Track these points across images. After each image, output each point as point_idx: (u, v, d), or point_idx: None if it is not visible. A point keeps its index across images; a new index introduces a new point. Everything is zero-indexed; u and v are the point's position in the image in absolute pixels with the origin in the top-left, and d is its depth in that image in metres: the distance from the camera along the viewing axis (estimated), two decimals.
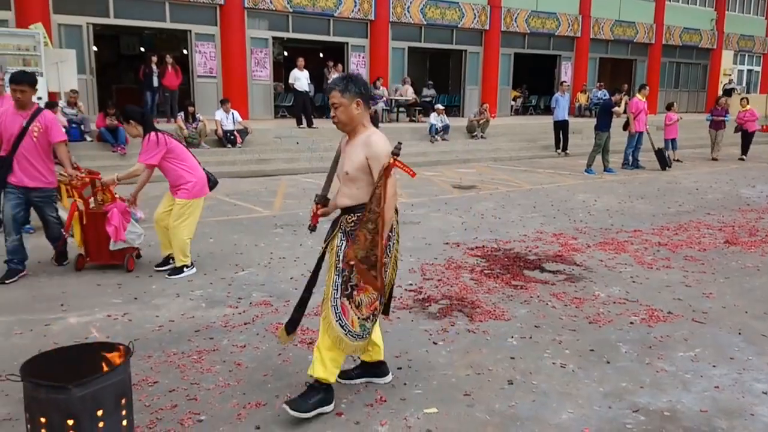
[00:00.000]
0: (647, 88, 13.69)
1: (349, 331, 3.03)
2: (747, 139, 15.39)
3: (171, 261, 5.49)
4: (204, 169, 5.49)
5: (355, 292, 3.04)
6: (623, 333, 4.18)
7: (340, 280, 3.07)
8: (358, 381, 3.44)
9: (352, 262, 2.97)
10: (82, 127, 11.68)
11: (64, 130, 7.81)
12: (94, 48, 14.49)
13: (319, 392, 3.08)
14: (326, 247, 3.24)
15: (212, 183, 5.53)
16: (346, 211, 3.13)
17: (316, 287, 3.25)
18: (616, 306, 4.71)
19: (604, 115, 12.57)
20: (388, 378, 3.44)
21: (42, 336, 4.01)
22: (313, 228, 3.39)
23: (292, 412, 2.97)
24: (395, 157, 2.95)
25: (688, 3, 25.16)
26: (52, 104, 11.36)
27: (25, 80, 5.03)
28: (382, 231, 2.93)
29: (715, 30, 25.98)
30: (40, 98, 11.38)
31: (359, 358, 3.48)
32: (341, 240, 3.11)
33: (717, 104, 15.95)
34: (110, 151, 11.44)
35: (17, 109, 5.12)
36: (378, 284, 2.99)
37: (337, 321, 3.04)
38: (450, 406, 3.17)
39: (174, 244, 5.31)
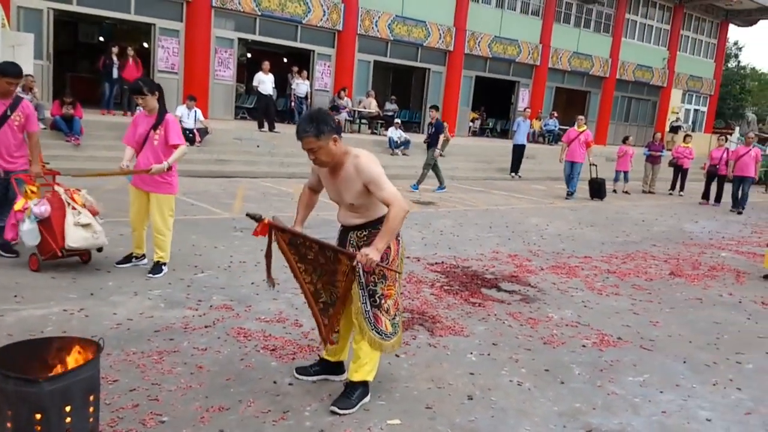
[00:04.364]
0: (580, 118, 13.40)
1: (384, 334, 3.22)
2: (682, 175, 16.01)
3: (133, 259, 5.43)
4: None
5: (382, 301, 3.21)
6: (576, 355, 4.34)
7: (366, 293, 3.18)
8: (315, 378, 3.55)
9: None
10: (37, 114, 11.28)
11: None
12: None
13: (358, 387, 3.29)
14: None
15: None
16: (356, 228, 3.23)
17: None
18: (568, 328, 4.88)
19: (436, 134, 12.48)
20: (344, 376, 3.53)
21: None
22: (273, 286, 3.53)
23: (342, 412, 3.17)
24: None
25: (643, 41, 26.28)
26: None
27: (20, 73, 5.25)
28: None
29: (667, 69, 27.22)
30: None
31: (319, 355, 3.64)
32: None
33: (654, 139, 16.60)
34: (63, 140, 11.13)
35: (2, 97, 5.20)
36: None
37: (373, 330, 3.19)
38: (412, 418, 3.23)
39: (161, 241, 5.25)
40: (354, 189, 3.10)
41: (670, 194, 15.98)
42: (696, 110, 30.20)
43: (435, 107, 13.11)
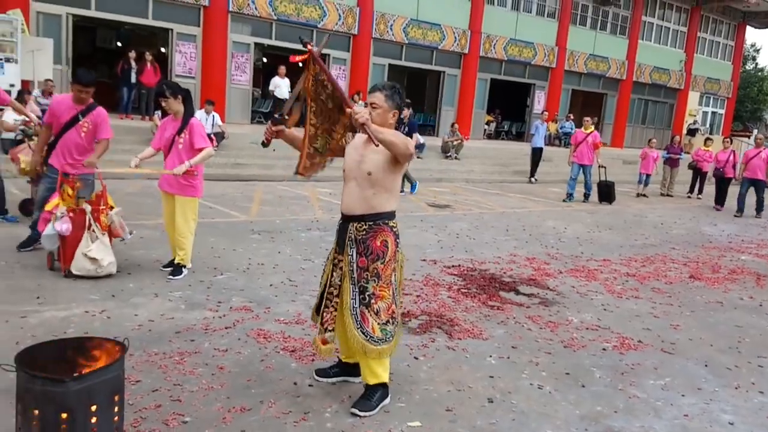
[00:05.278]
0: (587, 120, 13.10)
1: (370, 337, 3.16)
2: (701, 178, 15.78)
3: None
4: None
5: (372, 301, 3.16)
6: (596, 358, 4.30)
7: (357, 290, 3.17)
8: (334, 379, 3.56)
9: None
10: None
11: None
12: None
13: (377, 390, 3.28)
14: (334, 257, 3.31)
15: None
16: (356, 219, 3.18)
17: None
18: (588, 332, 4.84)
19: (409, 134, 11.78)
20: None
21: (19, 328, 3.94)
22: (265, 144, 3.32)
23: (362, 414, 3.18)
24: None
25: (659, 43, 26.07)
26: (24, 93, 11.13)
27: (90, 83, 5.28)
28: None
29: (684, 71, 26.97)
30: (12, 86, 11.15)
31: (338, 357, 3.61)
32: (351, 249, 3.18)
33: (672, 142, 16.26)
34: None
35: (75, 103, 5.35)
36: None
37: (358, 329, 3.15)
38: (433, 421, 3.22)
39: (183, 243, 5.31)
40: (382, 156, 3.07)
41: (689, 197, 15.81)
42: (714, 113, 29.88)
43: (407, 104, 12.73)
